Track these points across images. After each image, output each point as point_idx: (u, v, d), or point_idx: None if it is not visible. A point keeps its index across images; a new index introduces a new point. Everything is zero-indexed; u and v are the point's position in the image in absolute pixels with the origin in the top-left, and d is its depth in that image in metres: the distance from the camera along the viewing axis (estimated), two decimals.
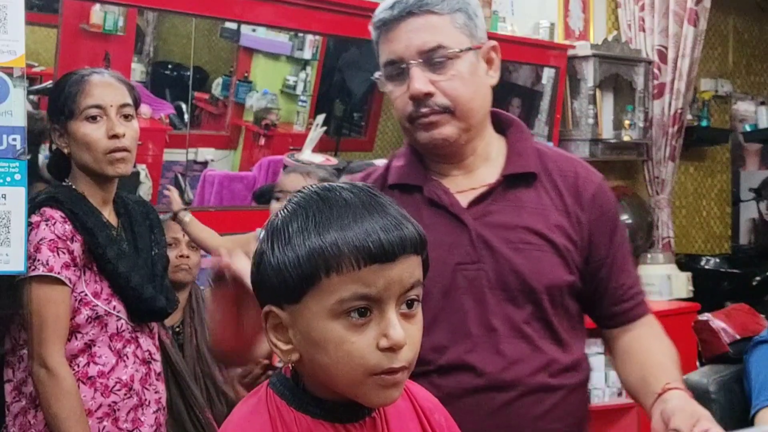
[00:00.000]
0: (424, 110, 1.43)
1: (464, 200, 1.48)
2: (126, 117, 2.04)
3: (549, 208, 1.48)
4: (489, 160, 1.51)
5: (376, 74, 1.50)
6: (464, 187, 1.49)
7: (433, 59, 1.42)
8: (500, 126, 1.55)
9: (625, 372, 1.56)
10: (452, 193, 1.48)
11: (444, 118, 1.43)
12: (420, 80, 1.42)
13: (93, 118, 1.99)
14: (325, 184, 1.00)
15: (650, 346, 1.58)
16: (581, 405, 1.56)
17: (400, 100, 1.46)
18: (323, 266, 0.92)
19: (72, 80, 2.03)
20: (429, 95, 1.42)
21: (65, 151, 2.03)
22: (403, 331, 0.94)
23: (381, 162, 1.78)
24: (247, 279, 1.03)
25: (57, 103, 2.03)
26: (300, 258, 0.93)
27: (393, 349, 0.94)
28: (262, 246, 0.98)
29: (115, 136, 1.99)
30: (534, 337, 1.44)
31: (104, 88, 2.03)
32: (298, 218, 0.95)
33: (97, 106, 2.00)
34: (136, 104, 2.11)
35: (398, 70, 1.44)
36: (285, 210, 0.98)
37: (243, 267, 1.03)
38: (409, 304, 0.97)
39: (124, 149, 2.01)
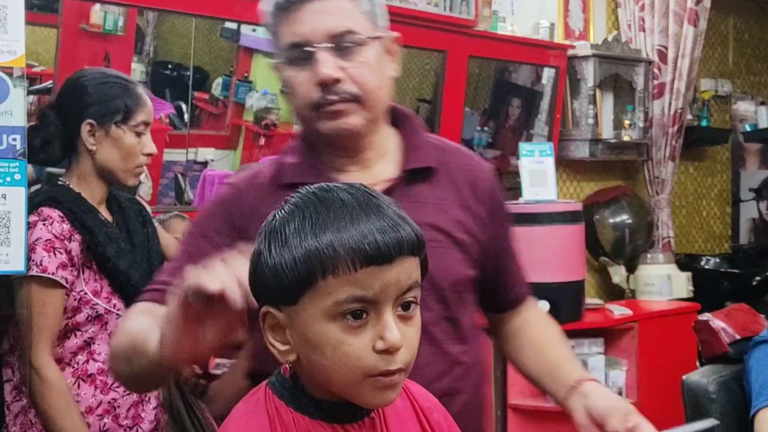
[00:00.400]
0: (332, 97, 1.35)
1: None
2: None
3: (448, 202, 1.44)
4: (386, 155, 1.45)
5: (273, 59, 1.40)
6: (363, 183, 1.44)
7: (342, 44, 1.35)
8: (394, 120, 1.49)
9: (523, 355, 1.58)
10: None
11: (351, 107, 1.36)
12: (329, 65, 1.34)
13: (138, 134, 2.06)
14: (323, 184, 1.00)
15: (544, 331, 1.60)
16: (483, 405, 1.53)
17: (303, 86, 1.36)
18: (319, 268, 0.92)
19: (127, 88, 2.07)
20: (338, 81, 1.34)
21: (90, 147, 2.03)
22: (400, 334, 0.94)
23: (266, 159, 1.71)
24: (245, 283, 1.02)
25: (104, 102, 2.04)
26: (296, 260, 0.93)
27: (389, 351, 0.94)
28: (259, 247, 0.98)
29: (148, 155, 2.09)
30: (440, 339, 1.41)
31: (150, 106, 2.11)
32: (294, 219, 0.95)
33: (146, 123, 2.07)
34: None
35: (303, 54, 1.35)
36: (282, 210, 0.98)
37: (241, 272, 1.02)
38: (407, 306, 0.97)
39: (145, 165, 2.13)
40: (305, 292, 0.93)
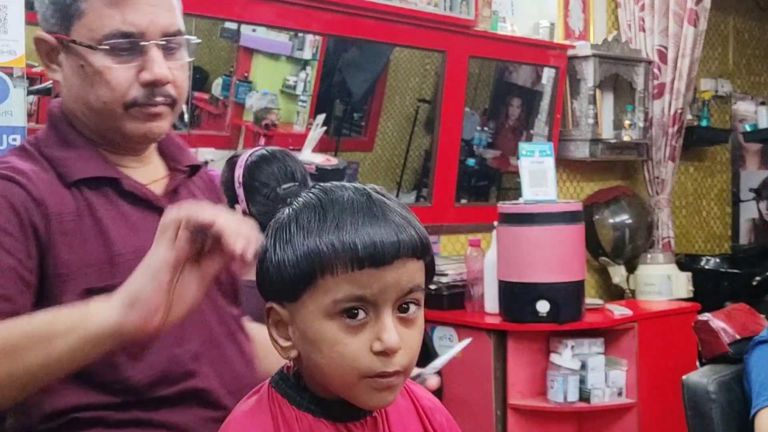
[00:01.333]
0: (157, 99, 1.27)
1: (158, 193, 1.35)
2: None
3: (209, 201, 1.41)
4: (153, 152, 1.40)
5: (83, 41, 1.24)
6: (146, 179, 1.35)
7: (171, 44, 1.28)
8: None
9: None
10: (146, 187, 1.34)
11: (167, 111, 1.30)
12: (163, 65, 1.26)
13: None
14: (330, 184, 1.01)
15: None
16: None
17: (123, 81, 1.25)
18: (319, 267, 0.94)
19: None
20: (167, 83, 1.28)
21: None
22: (399, 336, 0.94)
23: None
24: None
25: None
26: (298, 258, 0.95)
27: (386, 353, 0.94)
28: (266, 243, 0.99)
29: None
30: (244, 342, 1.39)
31: None
32: (299, 218, 0.97)
33: None
34: None
35: (132, 45, 1.25)
36: (290, 208, 0.99)
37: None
38: (406, 309, 0.97)
39: None
40: (306, 290, 0.95)
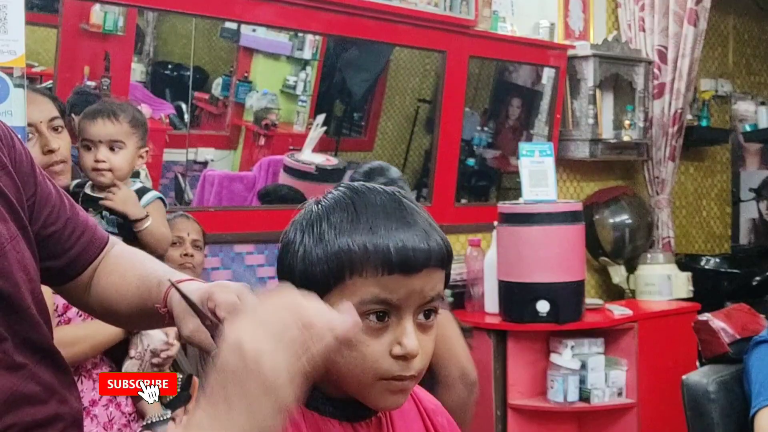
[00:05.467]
0: None
1: None
2: (56, 129, 2.08)
3: None
4: None
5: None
6: None
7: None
8: None
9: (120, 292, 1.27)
10: None
11: None
12: None
13: (31, 137, 2.03)
14: (360, 184, 1.01)
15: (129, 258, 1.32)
16: None
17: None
18: (349, 267, 0.94)
19: None
20: None
21: None
22: (418, 342, 0.95)
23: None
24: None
25: None
26: (328, 256, 0.94)
27: (406, 357, 0.95)
28: (292, 236, 0.99)
29: (50, 151, 2.04)
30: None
31: (31, 106, 2.05)
32: (330, 216, 0.97)
33: (28, 125, 2.03)
34: (62, 113, 2.15)
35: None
36: (319, 205, 0.99)
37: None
38: (427, 315, 0.98)
39: (62, 161, 2.07)
40: (333, 289, 0.95)
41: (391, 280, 0.93)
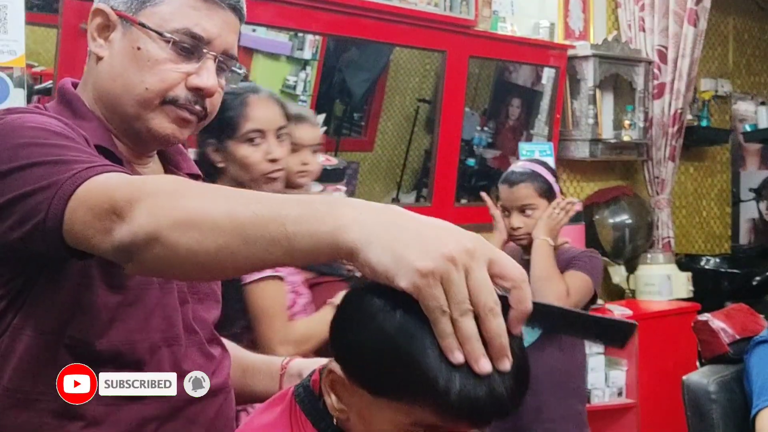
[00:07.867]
0: (195, 107, 1.28)
1: None
2: (280, 137, 2.09)
3: None
4: (154, 153, 1.38)
5: (151, 26, 1.25)
6: None
7: (223, 65, 1.32)
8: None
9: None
10: None
11: (194, 121, 1.30)
12: (214, 78, 1.28)
13: (251, 140, 2.05)
14: None
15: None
16: None
17: (169, 73, 1.25)
18: (421, 395, 0.85)
19: (233, 99, 2.04)
20: (209, 96, 1.29)
21: (219, 165, 2.06)
22: None
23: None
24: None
25: (216, 119, 2.03)
26: (407, 372, 0.84)
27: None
28: (377, 314, 0.87)
29: (273, 160, 2.06)
30: (220, 338, 1.39)
31: (264, 111, 2.08)
32: (425, 335, 0.84)
33: (258, 131, 2.05)
34: (288, 120, 2.17)
35: (194, 48, 1.27)
36: (410, 314, 0.85)
37: None
38: None
39: (281, 169, 2.09)
40: (389, 397, 0.88)
41: (452, 419, 0.87)
